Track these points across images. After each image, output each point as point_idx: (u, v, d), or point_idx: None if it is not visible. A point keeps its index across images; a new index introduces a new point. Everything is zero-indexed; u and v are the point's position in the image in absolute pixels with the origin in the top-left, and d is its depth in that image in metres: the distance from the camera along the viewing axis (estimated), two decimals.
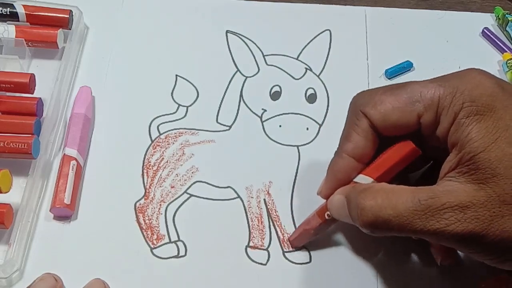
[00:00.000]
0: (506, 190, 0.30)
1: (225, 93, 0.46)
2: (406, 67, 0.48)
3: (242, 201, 0.42)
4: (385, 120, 0.34)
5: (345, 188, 0.36)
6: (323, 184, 0.38)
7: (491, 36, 0.50)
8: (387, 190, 0.33)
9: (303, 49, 0.48)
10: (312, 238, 0.39)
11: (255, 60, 0.47)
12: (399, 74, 0.48)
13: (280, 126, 0.45)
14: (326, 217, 0.37)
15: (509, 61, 0.47)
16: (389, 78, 0.47)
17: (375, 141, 0.35)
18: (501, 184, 0.30)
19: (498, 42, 0.49)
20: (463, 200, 0.30)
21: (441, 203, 0.31)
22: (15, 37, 0.45)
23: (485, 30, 0.50)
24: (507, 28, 0.50)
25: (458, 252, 0.39)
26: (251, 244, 0.40)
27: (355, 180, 0.36)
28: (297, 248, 0.40)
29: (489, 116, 0.31)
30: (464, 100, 0.32)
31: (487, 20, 0.51)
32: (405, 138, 0.35)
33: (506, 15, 0.50)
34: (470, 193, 0.31)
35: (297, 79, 0.47)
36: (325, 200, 0.37)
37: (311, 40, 0.49)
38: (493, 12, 0.51)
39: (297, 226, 0.41)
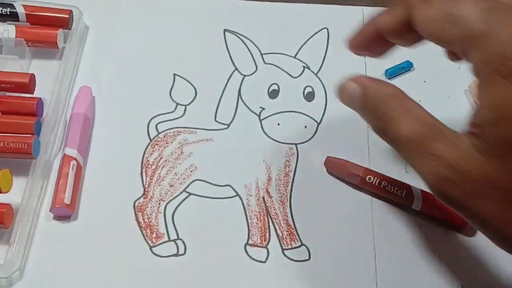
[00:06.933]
0: None
1: (223, 92, 0.46)
2: (406, 67, 0.48)
3: (241, 199, 0.42)
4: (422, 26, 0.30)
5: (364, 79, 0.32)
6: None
7: None
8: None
9: (300, 47, 0.48)
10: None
11: (253, 59, 0.47)
12: (399, 74, 0.48)
13: (278, 124, 0.45)
14: None
15: None
16: (389, 78, 0.47)
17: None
18: None
19: None
20: None
21: None
22: (15, 37, 0.45)
23: None
24: None
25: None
26: (250, 242, 0.40)
27: None
28: (295, 246, 0.40)
29: None
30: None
31: None
32: None
33: None
34: None
35: (295, 77, 0.47)
36: None
37: (308, 39, 0.49)
38: None
39: (296, 224, 0.41)
